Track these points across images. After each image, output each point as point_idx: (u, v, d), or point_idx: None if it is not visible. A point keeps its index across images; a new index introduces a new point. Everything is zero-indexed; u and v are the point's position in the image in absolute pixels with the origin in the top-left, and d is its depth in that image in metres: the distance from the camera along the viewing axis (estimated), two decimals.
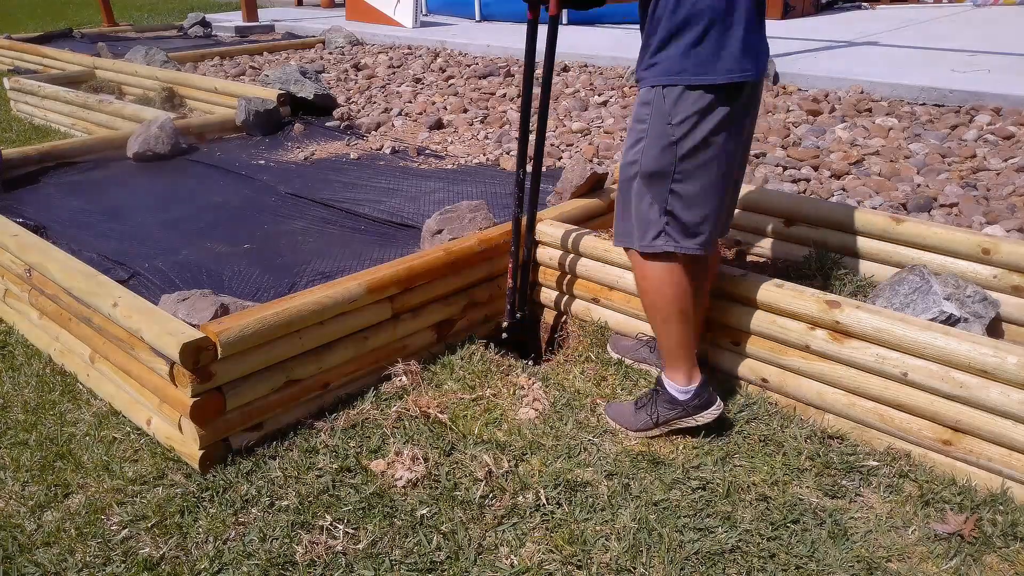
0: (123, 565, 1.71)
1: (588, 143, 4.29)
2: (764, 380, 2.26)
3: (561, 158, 4.17)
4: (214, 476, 1.98)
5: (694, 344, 2.07)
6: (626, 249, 2.07)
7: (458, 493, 1.91)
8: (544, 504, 1.86)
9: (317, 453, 2.06)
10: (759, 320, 2.21)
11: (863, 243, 2.63)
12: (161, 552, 1.74)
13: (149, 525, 1.82)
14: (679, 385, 2.06)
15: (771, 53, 5.37)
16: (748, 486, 1.92)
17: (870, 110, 4.54)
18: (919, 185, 3.34)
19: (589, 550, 1.73)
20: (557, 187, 3.29)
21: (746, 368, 2.30)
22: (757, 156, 3.82)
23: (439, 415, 2.17)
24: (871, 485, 1.94)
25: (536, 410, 2.23)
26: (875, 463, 2.00)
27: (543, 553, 1.73)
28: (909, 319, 1.98)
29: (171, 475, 1.99)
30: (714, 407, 2.05)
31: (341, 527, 1.80)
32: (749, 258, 2.91)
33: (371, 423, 2.18)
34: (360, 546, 1.75)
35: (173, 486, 1.95)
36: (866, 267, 2.64)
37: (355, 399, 2.28)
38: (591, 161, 4.05)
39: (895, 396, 1.99)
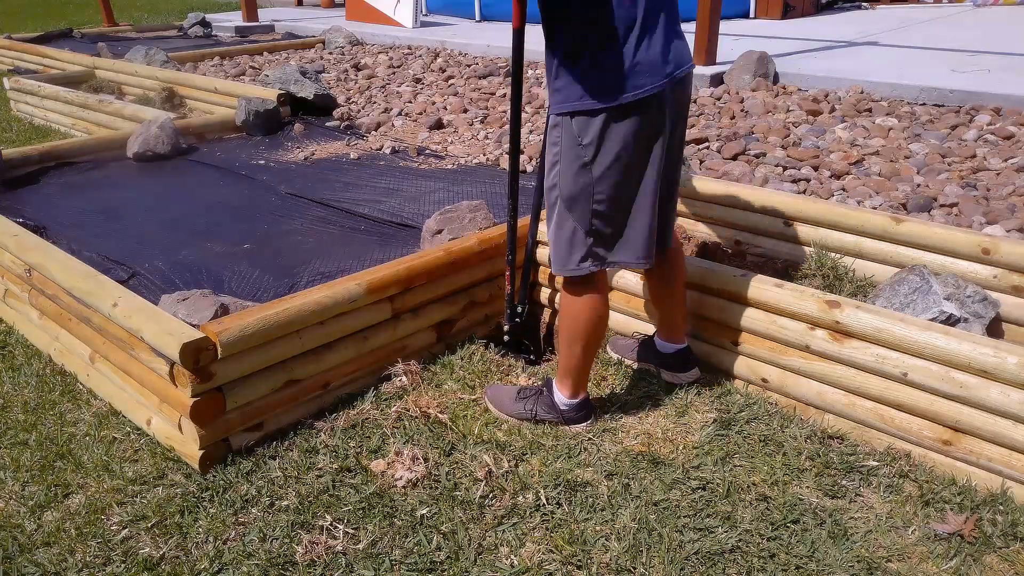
0: (123, 565, 1.71)
1: None
2: (764, 380, 2.26)
3: None
4: (214, 476, 1.98)
5: (590, 369, 2.16)
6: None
7: (458, 493, 1.91)
8: (544, 504, 1.86)
9: (317, 453, 2.06)
10: (759, 320, 2.22)
11: (863, 243, 2.63)
12: (161, 552, 1.74)
13: (149, 525, 1.82)
14: (564, 397, 2.13)
15: (771, 53, 5.40)
16: (748, 486, 1.92)
17: (870, 110, 4.54)
18: (919, 185, 3.34)
19: (589, 550, 1.73)
20: None
21: (746, 368, 2.30)
22: (757, 156, 3.82)
23: (439, 415, 2.17)
24: (871, 485, 1.94)
25: None
26: (875, 463, 2.00)
27: (543, 553, 1.73)
28: (909, 319, 1.98)
29: (171, 475, 1.99)
30: (588, 422, 2.17)
31: (341, 527, 1.80)
32: (749, 258, 2.91)
33: (371, 423, 2.18)
34: (360, 546, 1.75)
35: (173, 486, 1.95)
36: (866, 267, 2.64)
37: (355, 399, 2.28)
38: None
39: (895, 396, 1.99)
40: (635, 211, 1.92)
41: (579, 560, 1.71)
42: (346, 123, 5.07)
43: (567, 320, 2.05)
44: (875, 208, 3.10)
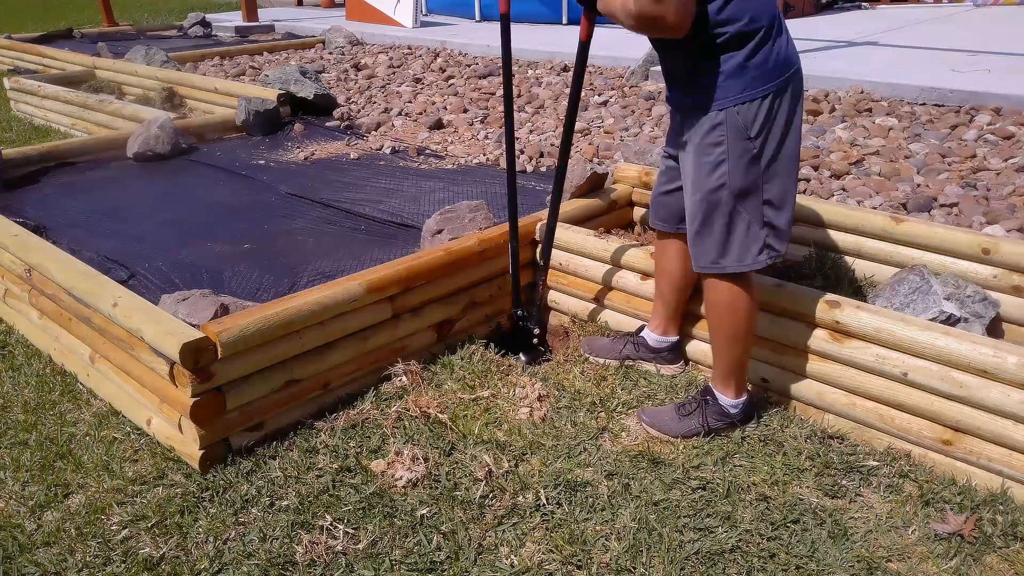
0: (123, 565, 1.71)
1: (588, 143, 4.29)
2: (764, 380, 2.26)
3: None
4: (214, 476, 1.98)
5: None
6: (704, 274, 2.03)
7: (458, 493, 1.91)
8: (544, 504, 1.86)
9: (317, 453, 2.06)
10: (759, 320, 2.21)
11: (863, 243, 2.63)
12: (161, 552, 1.74)
13: (149, 525, 1.82)
14: (731, 399, 2.10)
15: None
16: (748, 486, 1.92)
17: (870, 110, 4.54)
18: (919, 185, 3.34)
19: (589, 550, 1.73)
20: None
21: None
22: None
23: (439, 415, 2.17)
24: (871, 485, 1.94)
25: (536, 410, 2.23)
26: (875, 463, 2.00)
27: (543, 553, 1.73)
28: (909, 319, 1.98)
29: (171, 475, 1.99)
30: (754, 420, 2.16)
31: (341, 527, 1.80)
32: None
33: (371, 423, 2.18)
34: (360, 546, 1.75)
35: (173, 486, 1.95)
36: (866, 267, 2.64)
37: (355, 399, 2.28)
38: (591, 161, 4.05)
39: (895, 396, 1.99)
40: (792, 192, 1.95)
41: (579, 560, 1.71)
42: (346, 123, 5.07)
43: (728, 318, 2.02)
44: (875, 208, 3.10)
